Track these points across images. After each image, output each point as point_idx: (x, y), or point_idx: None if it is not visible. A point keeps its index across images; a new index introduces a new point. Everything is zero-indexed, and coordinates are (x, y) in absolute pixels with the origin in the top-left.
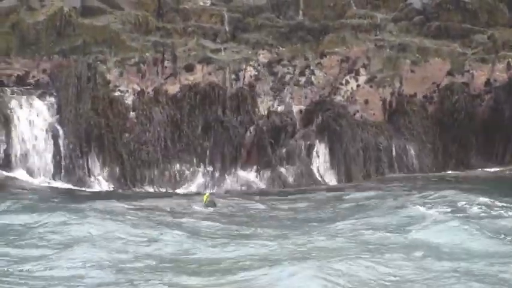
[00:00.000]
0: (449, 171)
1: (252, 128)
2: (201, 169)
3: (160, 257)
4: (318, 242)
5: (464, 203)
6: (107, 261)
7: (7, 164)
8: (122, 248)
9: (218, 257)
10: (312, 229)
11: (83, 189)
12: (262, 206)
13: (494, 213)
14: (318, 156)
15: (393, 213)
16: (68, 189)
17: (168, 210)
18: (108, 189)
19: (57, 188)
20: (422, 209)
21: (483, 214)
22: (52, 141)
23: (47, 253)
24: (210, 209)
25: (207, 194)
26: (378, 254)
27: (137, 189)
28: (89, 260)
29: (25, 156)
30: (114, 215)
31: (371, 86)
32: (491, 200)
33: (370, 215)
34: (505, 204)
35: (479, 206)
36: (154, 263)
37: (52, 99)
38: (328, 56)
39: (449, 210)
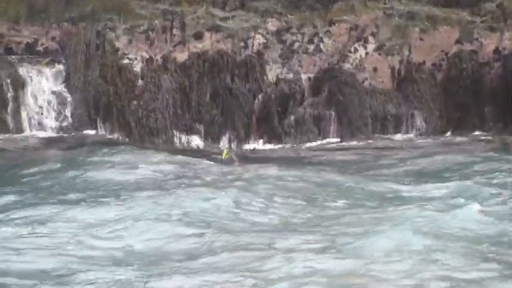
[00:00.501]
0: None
1: (260, 96)
2: (209, 136)
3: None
4: None
5: None
6: None
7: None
8: None
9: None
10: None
11: None
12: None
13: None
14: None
15: None
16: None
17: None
18: None
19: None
20: None
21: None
22: (60, 108)
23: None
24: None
25: (226, 149)
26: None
27: None
28: None
29: (34, 120)
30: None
31: (380, 54)
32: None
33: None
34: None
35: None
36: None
37: (61, 67)
38: (337, 24)
39: None
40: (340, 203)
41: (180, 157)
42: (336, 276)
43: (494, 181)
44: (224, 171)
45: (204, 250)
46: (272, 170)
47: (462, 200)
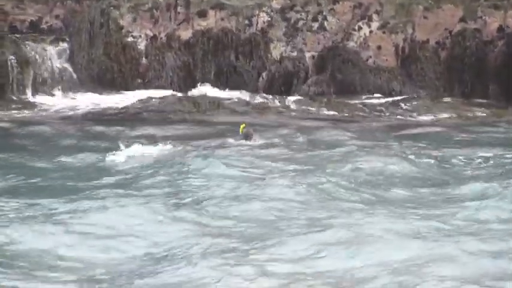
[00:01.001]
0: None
1: (264, 74)
2: None
3: None
4: None
5: None
6: None
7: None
8: None
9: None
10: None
11: None
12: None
13: None
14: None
15: None
16: None
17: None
18: None
19: None
20: None
21: None
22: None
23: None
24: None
25: (243, 124)
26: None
27: None
28: None
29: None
30: None
31: (384, 32)
32: None
33: None
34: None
35: None
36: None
37: (65, 45)
38: (341, 2)
39: None
40: None
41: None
42: None
43: None
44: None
45: None
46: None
47: None
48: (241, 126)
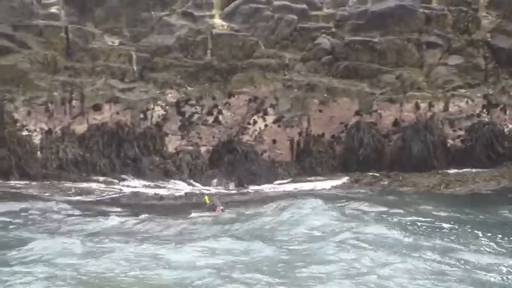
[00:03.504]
0: None
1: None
2: None
3: None
4: None
5: None
6: None
7: None
8: None
9: None
10: None
11: None
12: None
13: None
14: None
15: None
16: None
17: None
18: None
19: None
20: None
21: None
22: None
23: None
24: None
25: (207, 195)
26: None
27: None
28: None
29: None
30: None
31: (279, 126)
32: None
33: None
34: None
35: None
36: None
37: None
38: (236, 96)
39: None
40: None
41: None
42: None
43: None
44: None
45: None
46: None
47: None
48: (206, 198)
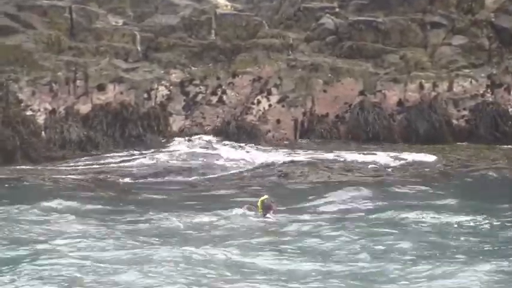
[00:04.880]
0: None
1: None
2: None
3: None
4: None
5: None
6: None
7: None
8: None
9: None
10: None
11: None
12: None
13: None
14: None
15: None
16: None
17: None
18: None
19: None
20: None
21: None
22: None
23: None
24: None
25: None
26: None
27: None
28: None
29: None
30: None
31: (283, 106)
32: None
33: None
34: None
35: None
36: None
37: None
38: (240, 76)
39: None
40: None
41: None
42: None
43: None
44: None
45: None
46: None
47: None
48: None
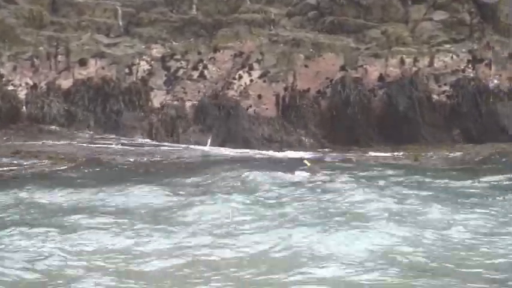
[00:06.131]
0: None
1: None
2: None
3: None
4: None
5: None
6: None
7: None
8: None
9: None
10: None
11: None
12: None
13: None
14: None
15: None
16: None
17: None
18: None
19: None
20: None
21: None
22: None
23: None
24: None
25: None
26: None
27: None
28: None
29: None
30: None
31: (264, 81)
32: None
33: None
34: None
35: None
36: None
37: None
38: (221, 51)
39: None
40: None
41: None
42: None
43: None
44: None
45: None
46: None
47: None
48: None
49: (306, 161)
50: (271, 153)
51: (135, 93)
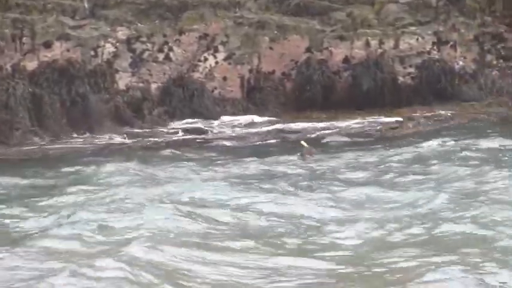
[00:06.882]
0: None
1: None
2: None
3: None
4: None
5: None
6: None
7: None
8: None
9: None
10: None
11: None
12: None
13: None
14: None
15: None
16: None
17: None
18: None
19: None
20: None
21: None
22: None
23: None
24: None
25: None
26: None
27: None
28: None
29: None
30: None
31: (229, 63)
32: None
33: None
34: None
35: None
36: None
37: None
38: (186, 33)
39: None
40: None
41: None
42: None
43: None
44: None
45: None
46: None
47: None
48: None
49: (302, 142)
50: None
51: (101, 75)
